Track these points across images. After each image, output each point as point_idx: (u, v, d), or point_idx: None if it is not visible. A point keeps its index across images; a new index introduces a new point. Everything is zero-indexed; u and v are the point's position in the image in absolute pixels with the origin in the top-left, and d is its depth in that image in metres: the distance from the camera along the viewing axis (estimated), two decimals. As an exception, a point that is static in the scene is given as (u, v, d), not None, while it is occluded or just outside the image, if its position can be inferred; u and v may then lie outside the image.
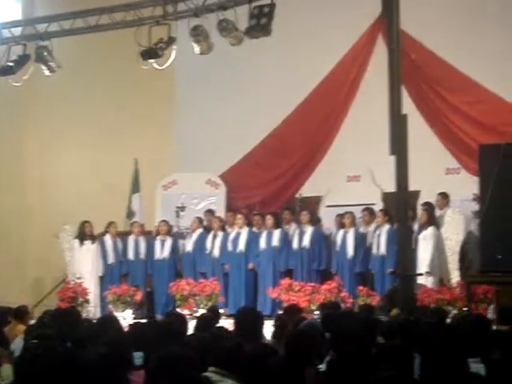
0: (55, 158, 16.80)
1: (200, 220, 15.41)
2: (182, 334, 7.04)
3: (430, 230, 13.08)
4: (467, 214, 13.44)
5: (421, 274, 12.54)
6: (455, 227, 13.14)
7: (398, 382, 3.49)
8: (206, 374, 4.96)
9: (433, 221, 13.20)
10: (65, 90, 16.41)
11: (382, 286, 13.46)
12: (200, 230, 15.27)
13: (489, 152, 11.09)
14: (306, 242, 14.23)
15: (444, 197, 13.56)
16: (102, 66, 16.75)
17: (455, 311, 11.55)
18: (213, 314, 9.57)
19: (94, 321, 8.87)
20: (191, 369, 3.93)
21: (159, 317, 11.21)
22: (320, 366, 5.87)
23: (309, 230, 14.31)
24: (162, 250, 15.20)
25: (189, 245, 15.18)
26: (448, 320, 9.41)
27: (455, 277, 12.75)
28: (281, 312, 11.59)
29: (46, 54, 13.34)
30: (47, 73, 13.50)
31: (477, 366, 5.40)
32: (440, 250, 13.07)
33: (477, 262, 11.95)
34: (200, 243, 15.10)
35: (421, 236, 13.09)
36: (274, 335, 8.00)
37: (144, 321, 8.84)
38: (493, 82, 14.33)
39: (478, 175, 11.57)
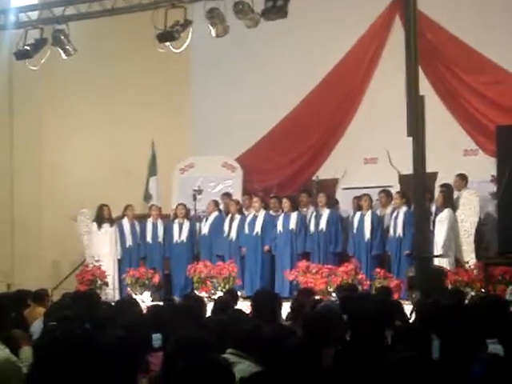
0: (73, 141, 16.84)
1: (216, 203, 15.44)
2: (200, 317, 7.08)
3: (446, 212, 13.04)
4: (485, 195, 13.40)
5: (438, 256, 12.53)
6: (471, 209, 13.09)
7: (415, 363, 3.49)
8: (225, 355, 4.99)
9: (449, 203, 13.16)
10: (82, 74, 16.42)
11: (399, 268, 13.45)
12: (216, 213, 15.30)
13: (506, 133, 11.05)
14: (323, 224, 14.22)
15: (462, 178, 13.49)
16: (119, 50, 16.76)
17: (473, 293, 11.54)
18: (230, 297, 9.61)
19: (113, 303, 8.92)
20: (208, 351, 3.94)
21: (177, 299, 11.22)
22: (339, 348, 5.88)
23: (325, 213, 14.30)
24: (180, 233, 15.25)
25: (205, 227, 15.21)
26: (466, 302, 9.40)
27: (471, 259, 12.71)
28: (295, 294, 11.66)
29: (62, 37, 13.34)
30: (64, 56, 13.51)
31: (495, 347, 5.39)
32: (455, 232, 13.03)
33: (494, 244, 11.92)
34: (216, 226, 15.13)
35: (437, 218, 13.05)
36: (289, 317, 8.01)
37: (162, 303, 8.89)
38: (510, 62, 14.23)
39: (496, 156, 11.53)
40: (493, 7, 14.64)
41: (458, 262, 12.91)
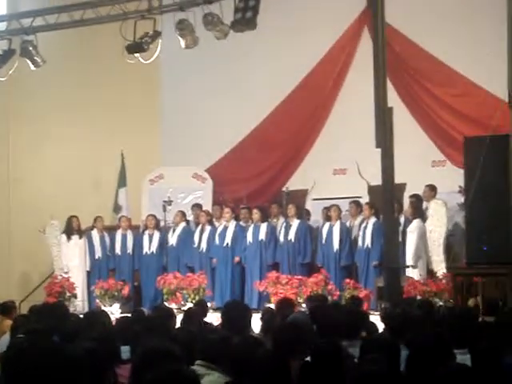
0: (41, 152, 16.73)
1: (183, 213, 15.43)
2: (170, 328, 7.05)
3: (415, 222, 13.13)
4: (453, 205, 13.49)
5: (406, 267, 12.60)
6: (438, 219, 13.16)
7: (383, 377, 3.51)
8: (193, 367, 4.98)
9: (418, 213, 13.24)
10: (50, 85, 16.34)
11: (367, 278, 13.51)
12: (183, 224, 15.29)
13: (474, 144, 11.13)
14: (292, 235, 14.25)
15: (431, 189, 13.59)
16: (88, 61, 16.70)
17: (441, 303, 11.61)
18: (200, 308, 9.59)
19: (82, 315, 8.87)
20: (176, 362, 3.94)
21: (146, 311, 11.17)
22: (307, 359, 5.89)
23: (295, 224, 14.34)
24: (150, 244, 15.21)
25: (173, 238, 15.18)
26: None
27: (441, 269, 12.79)
28: (268, 305, 11.64)
29: (31, 48, 13.28)
30: (32, 67, 13.44)
31: (464, 358, 5.42)
32: (425, 243, 13.11)
33: (463, 254, 12.00)
34: (184, 237, 15.11)
35: (407, 229, 13.13)
36: (262, 329, 8.01)
37: (131, 315, 8.85)
38: (478, 74, 14.39)
39: (464, 167, 11.62)
40: (460, 20, 14.78)
41: (430, 272, 12.98)
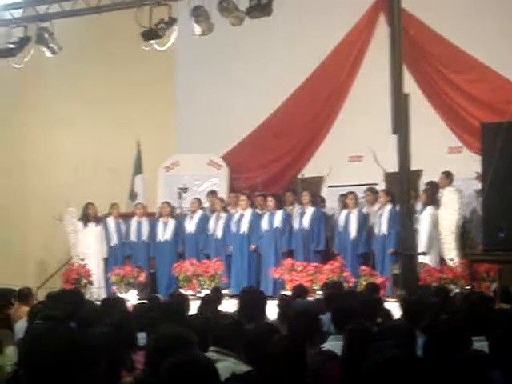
0: (57, 139, 16.78)
1: (199, 201, 15.43)
2: (185, 315, 7.07)
3: (428, 210, 13.07)
4: (470, 192, 13.43)
5: (421, 254, 12.57)
6: (451, 207, 13.11)
7: (401, 362, 3.49)
8: (207, 353, 4.99)
9: (432, 200, 13.18)
10: (66, 72, 16.37)
11: (383, 265, 13.48)
12: (200, 212, 15.30)
13: (491, 130, 11.06)
14: (306, 222, 14.23)
15: (447, 176, 13.51)
16: (103, 48, 16.71)
17: (457, 290, 11.57)
18: (216, 295, 9.61)
19: (98, 302, 8.90)
20: (190, 349, 3.94)
21: (162, 297, 11.21)
22: (322, 346, 5.90)
23: (309, 211, 14.31)
24: (165, 231, 15.23)
25: (190, 226, 15.20)
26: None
27: (453, 256, 12.73)
28: (284, 293, 11.66)
29: (46, 35, 13.29)
30: (48, 54, 13.46)
31: (481, 345, 5.40)
32: (438, 230, 13.05)
33: (479, 241, 11.95)
34: (202, 224, 15.13)
35: (421, 216, 13.09)
36: (279, 315, 8.01)
37: (147, 302, 8.88)
38: (495, 60, 14.29)
39: (481, 154, 11.55)
40: (477, 5, 14.68)
41: (443, 260, 12.94)
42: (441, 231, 13.00)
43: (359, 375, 3.57)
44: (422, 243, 12.82)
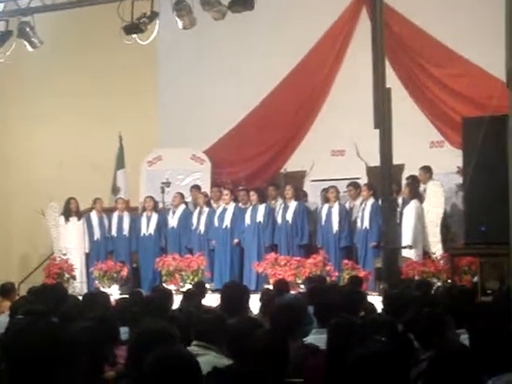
0: (39, 134, 16.72)
1: (182, 195, 15.43)
2: (168, 309, 7.08)
3: (412, 203, 13.14)
4: (451, 187, 13.50)
5: (404, 247, 12.63)
6: (436, 200, 13.19)
7: (385, 356, 3.52)
8: (189, 348, 5.00)
9: (416, 194, 13.25)
10: (48, 66, 16.30)
11: (365, 259, 13.55)
12: (183, 206, 15.30)
13: (472, 125, 11.11)
14: (289, 217, 14.26)
15: (426, 171, 13.60)
16: (85, 42, 16.64)
17: (439, 283, 11.64)
18: (198, 289, 9.61)
19: (80, 297, 8.89)
20: (173, 343, 3.95)
21: (145, 292, 11.20)
22: (304, 340, 5.92)
23: (292, 205, 14.34)
24: (148, 226, 15.22)
25: (173, 220, 15.20)
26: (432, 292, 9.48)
27: (438, 249, 12.81)
28: (267, 287, 11.68)
29: (28, 29, 13.23)
30: (30, 49, 13.40)
31: (463, 337, 5.44)
32: (422, 224, 13.12)
33: (461, 235, 12.02)
34: (184, 219, 15.13)
35: (404, 210, 13.14)
36: (262, 310, 8.03)
37: (129, 296, 8.88)
38: (477, 55, 14.34)
39: (462, 148, 11.61)
40: (458, 0, 14.73)
41: (426, 253, 13.01)
42: (426, 224, 13.08)
43: (343, 369, 3.59)
44: (407, 237, 12.87)
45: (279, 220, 14.36)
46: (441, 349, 4.32)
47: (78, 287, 14.57)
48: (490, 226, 10.60)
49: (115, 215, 15.49)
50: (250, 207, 14.61)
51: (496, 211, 10.06)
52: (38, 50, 13.52)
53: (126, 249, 15.36)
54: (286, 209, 14.35)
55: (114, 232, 15.43)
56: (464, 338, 5.31)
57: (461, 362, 3.92)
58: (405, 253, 12.65)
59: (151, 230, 15.20)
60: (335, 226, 13.98)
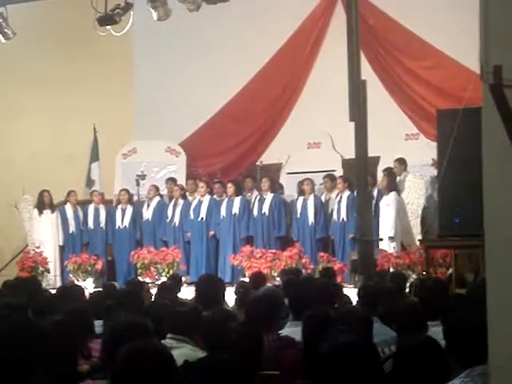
0: (13, 126, 16.59)
1: (156, 188, 15.38)
2: (142, 302, 7.05)
3: (392, 195, 13.15)
4: (426, 178, 13.55)
5: (380, 239, 12.66)
6: (416, 191, 13.24)
7: (357, 347, 3.52)
8: (164, 341, 4.98)
9: (394, 186, 13.28)
10: (21, 58, 16.17)
11: (343, 252, 13.57)
12: (158, 198, 15.25)
13: (446, 117, 11.11)
14: (266, 209, 14.26)
15: (401, 163, 13.65)
16: (59, 33, 16.51)
17: (414, 275, 11.68)
18: (174, 282, 9.59)
19: (54, 290, 8.84)
20: (147, 336, 3.93)
21: (119, 285, 11.17)
22: (280, 332, 5.91)
23: (269, 197, 14.34)
24: (123, 218, 15.16)
25: (148, 213, 15.15)
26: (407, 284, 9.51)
27: (415, 241, 12.84)
28: (243, 279, 11.67)
29: (0, 20, 13.13)
30: (3, 40, 13.31)
31: (437, 330, 5.45)
32: (402, 216, 13.16)
33: (435, 227, 12.06)
34: (159, 211, 15.08)
35: (382, 202, 13.17)
36: (237, 302, 8.02)
37: (103, 289, 8.84)
38: (451, 47, 14.39)
39: (437, 140, 11.64)
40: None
41: (402, 245, 13.04)
42: (406, 216, 13.12)
43: (316, 360, 3.59)
44: (388, 229, 12.89)
45: (255, 212, 14.36)
46: (406, 338, 4.36)
47: (52, 280, 14.49)
48: (464, 218, 10.63)
49: (91, 207, 15.42)
50: (226, 199, 14.59)
51: (470, 203, 10.10)
52: (12, 41, 13.41)
53: (102, 241, 15.30)
54: (262, 201, 14.34)
55: (90, 224, 15.35)
56: (437, 331, 5.31)
57: (425, 351, 3.95)
58: (385, 245, 12.67)
59: (126, 222, 15.14)
60: (310, 219, 14.00)
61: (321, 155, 15.60)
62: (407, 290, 8.92)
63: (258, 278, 9.69)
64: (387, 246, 12.77)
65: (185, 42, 16.88)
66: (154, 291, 8.92)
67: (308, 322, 5.34)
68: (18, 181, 15.52)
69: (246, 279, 11.40)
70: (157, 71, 17.26)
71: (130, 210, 15.19)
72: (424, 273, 11.51)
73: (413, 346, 4.05)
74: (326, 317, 5.36)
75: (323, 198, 14.36)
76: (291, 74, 16.34)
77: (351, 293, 8.72)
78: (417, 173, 13.45)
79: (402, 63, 15.26)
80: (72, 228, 15.30)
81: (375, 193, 13.41)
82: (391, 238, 12.82)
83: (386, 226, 12.96)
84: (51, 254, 14.90)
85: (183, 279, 12.26)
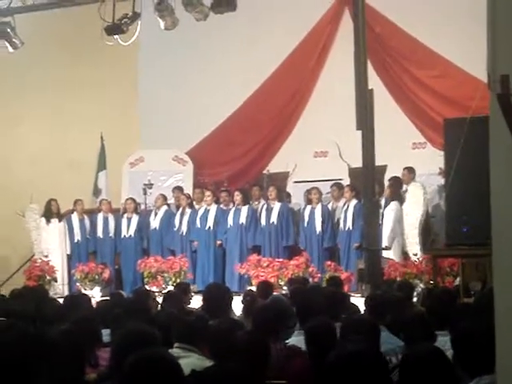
0: (19, 134, 16.64)
1: (164, 197, 15.38)
2: (149, 311, 7.05)
3: (392, 205, 13.12)
4: (433, 187, 13.53)
5: (385, 249, 12.63)
6: (415, 202, 13.18)
7: (364, 356, 3.51)
8: (171, 350, 4.97)
9: (397, 196, 13.25)
10: (28, 67, 16.22)
11: (348, 260, 13.55)
12: (165, 207, 15.25)
13: (454, 126, 11.12)
14: (274, 218, 14.24)
15: (410, 171, 13.61)
16: (66, 42, 16.57)
17: (422, 285, 11.65)
18: (181, 291, 9.57)
19: (62, 299, 8.84)
20: (155, 345, 3.93)
21: (126, 294, 11.16)
22: (287, 341, 5.90)
23: (276, 206, 14.32)
24: (129, 227, 15.15)
25: (155, 222, 15.15)
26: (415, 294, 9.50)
27: (416, 251, 12.81)
28: (250, 288, 11.65)
29: (8, 30, 13.18)
30: (11, 49, 13.34)
31: (444, 339, 5.44)
32: (401, 225, 13.12)
33: (442, 236, 12.03)
34: (166, 220, 15.08)
35: (385, 211, 13.15)
36: (244, 311, 8.01)
37: (110, 298, 8.83)
38: (458, 56, 14.40)
39: (444, 149, 11.63)
40: (441, 1, 14.77)
41: (406, 255, 13.01)
42: (404, 226, 13.08)
43: (323, 369, 3.58)
44: (384, 237, 12.88)
45: (263, 221, 14.33)
46: (412, 347, 4.35)
47: (60, 289, 14.50)
48: (471, 227, 10.62)
49: (100, 216, 15.42)
50: (233, 208, 14.59)
51: (477, 212, 10.10)
52: (19, 50, 13.45)
53: (111, 250, 15.30)
54: (269, 210, 14.33)
55: (99, 233, 15.35)
56: (445, 340, 5.30)
57: (431, 361, 3.94)
58: (385, 254, 12.65)
59: (131, 231, 15.13)
60: (318, 227, 13.98)
61: (328, 164, 15.60)
62: (415, 299, 8.91)
63: (266, 287, 9.67)
64: (387, 254, 12.74)
65: (192, 51, 16.90)
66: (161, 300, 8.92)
67: (309, 333, 5.33)
68: (24, 190, 15.54)
69: (253, 288, 11.39)
70: (164, 80, 17.29)
71: (135, 219, 15.19)
72: (431, 282, 11.48)
73: (418, 356, 4.03)
74: (328, 327, 5.35)
75: (330, 207, 14.34)
76: (298, 82, 16.35)
77: (358, 302, 8.71)
78: (418, 183, 13.36)
79: (409, 72, 15.25)
80: (78, 237, 15.30)
81: (383, 202, 13.39)
82: (386, 248, 12.78)
83: (384, 235, 12.93)
84: (59, 263, 14.90)
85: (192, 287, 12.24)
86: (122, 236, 15.16)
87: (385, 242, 12.80)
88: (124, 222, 15.21)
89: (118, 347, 4.19)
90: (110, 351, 4.53)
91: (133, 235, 15.11)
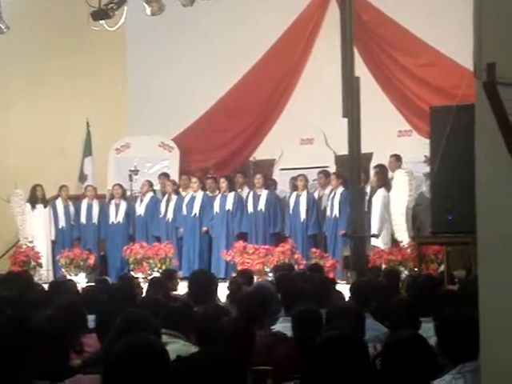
0: (5, 120, 16.55)
1: (150, 183, 15.37)
2: (135, 297, 7.05)
3: (380, 192, 13.16)
4: (419, 175, 13.56)
5: (371, 236, 12.67)
6: (402, 189, 13.22)
7: (347, 341, 3.53)
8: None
9: (384, 183, 13.29)
10: (14, 52, 16.12)
11: (335, 248, 13.58)
12: (151, 194, 15.24)
13: (440, 114, 11.13)
14: (262, 205, 14.26)
15: (397, 159, 13.63)
16: (52, 28, 16.48)
17: (406, 272, 11.70)
18: (166, 277, 9.57)
19: (47, 284, 8.83)
20: (152, 332, 3.93)
21: (112, 280, 11.17)
22: (272, 328, 5.92)
23: (263, 194, 14.34)
24: (117, 213, 15.13)
25: (140, 208, 15.13)
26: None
27: (404, 238, 12.86)
28: (235, 275, 11.67)
29: (-6, 14, 13.09)
30: (-4, 34, 13.26)
31: (429, 326, 5.47)
32: (389, 212, 13.17)
33: (428, 223, 12.07)
34: (152, 206, 15.07)
35: (373, 199, 13.19)
36: (229, 297, 8.03)
37: (95, 284, 8.83)
38: (444, 44, 14.40)
39: (429, 137, 11.65)
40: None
41: (395, 242, 13.05)
42: (392, 213, 13.13)
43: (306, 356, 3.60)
44: (373, 225, 12.92)
45: (250, 208, 14.35)
46: (394, 334, 4.38)
47: (45, 275, 14.47)
48: (456, 215, 10.65)
49: (84, 203, 15.39)
50: (219, 195, 14.59)
51: (463, 200, 10.12)
52: (4, 35, 13.36)
53: (95, 236, 15.27)
54: (256, 197, 14.33)
55: (83, 219, 15.32)
56: (429, 327, 5.33)
57: (412, 348, 3.96)
58: (373, 241, 12.69)
59: (120, 217, 15.11)
60: (303, 214, 14.00)
61: (314, 151, 15.61)
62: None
63: (245, 276, 9.66)
64: (375, 242, 12.79)
65: (178, 37, 16.84)
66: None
67: (296, 319, 5.35)
68: (9, 175, 15.48)
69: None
70: (150, 66, 17.23)
71: (123, 205, 15.17)
72: (416, 269, 11.53)
73: (398, 342, 4.05)
74: (314, 313, 5.37)
75: (316, 194, 14.36)
76: (284, 70, 16.33)
77: (344, 289, 8.74)
78: (403, 170, 13.39)
79: (396, 60, 15.25)
80: (62, 223, 15.27)
81: (368, 189, 13.42)
82: (375, 235, 12.82)
83: (373, 223, 12.97)
84: (43, 249, 14.88)
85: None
86: (110, 222, 15.13)
87: (374, 230, 12.84)
88: (112, 207, 15.17)
89: (118, 334, 4.18)
90: (108, 337, 4.53)
91: (121, 221, 15.08)
